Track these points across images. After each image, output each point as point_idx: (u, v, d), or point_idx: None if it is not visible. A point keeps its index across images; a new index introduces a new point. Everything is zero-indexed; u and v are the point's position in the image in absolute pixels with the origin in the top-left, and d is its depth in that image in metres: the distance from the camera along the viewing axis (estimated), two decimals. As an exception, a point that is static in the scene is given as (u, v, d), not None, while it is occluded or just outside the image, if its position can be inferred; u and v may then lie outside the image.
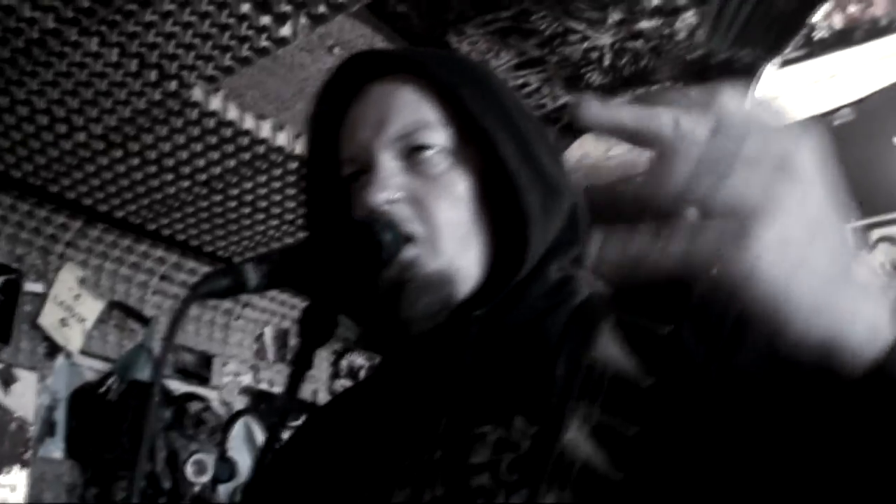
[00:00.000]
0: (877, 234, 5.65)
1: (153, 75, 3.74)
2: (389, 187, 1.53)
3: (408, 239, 1.51)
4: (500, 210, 1.55)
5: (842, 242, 0.91)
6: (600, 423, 1.03)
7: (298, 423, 1.91)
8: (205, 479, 5.13)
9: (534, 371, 1.40)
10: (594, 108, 0.91)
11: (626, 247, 0.88)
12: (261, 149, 4.29)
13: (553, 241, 1.58)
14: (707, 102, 0.88)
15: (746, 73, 0.82)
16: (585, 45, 3.79)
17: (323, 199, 1.75)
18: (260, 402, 5.92)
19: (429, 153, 1.56)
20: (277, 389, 6.06)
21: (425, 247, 1.52)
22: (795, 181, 0.86)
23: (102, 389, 4.94)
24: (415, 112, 1.59)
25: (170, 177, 4.50)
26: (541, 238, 1.53)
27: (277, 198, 4.75)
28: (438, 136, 1.57)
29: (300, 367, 1.32)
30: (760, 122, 0.88)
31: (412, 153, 1.57)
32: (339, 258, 1.38)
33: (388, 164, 1.56)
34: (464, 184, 1.56)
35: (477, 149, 1.56)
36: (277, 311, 6.00)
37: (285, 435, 1.80)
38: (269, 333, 6.12)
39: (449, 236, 1.53)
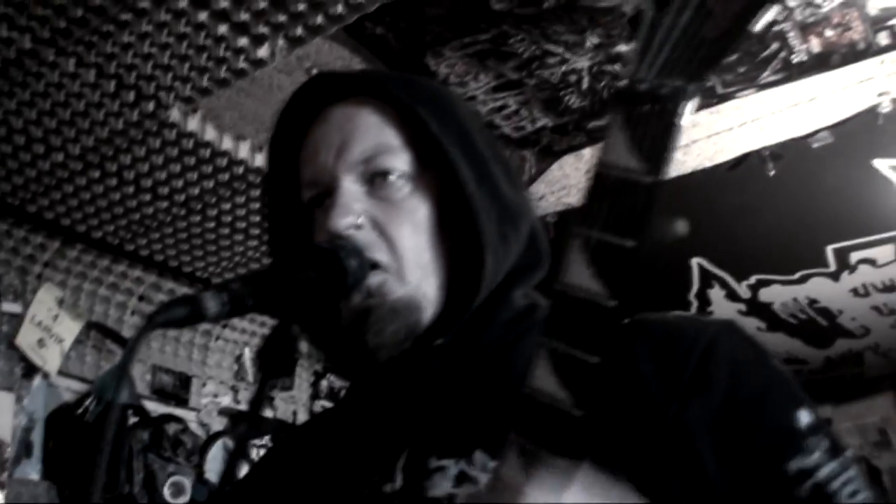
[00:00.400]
0: (856, 256, 5.67)
1: (130, 96, 3.73)
2: (352, 212, 1.52)
3: (374, 265, 1.51)
4: (458, 234, 1.54)
5: None
6: (532, 453, 1.03)
7: (264, 445, 1.91)
8: (182, 500, 5.10)
9: (496, 402, 1.39)
10: None
11: None
12: (239, 170, 4.28)
13: (514, 265, 1.58)
14: None
15: (670, 101, 0.83)
16: (564, 68, 3.80)
17: (285, 223, 1.74)
18: (239, 424, 5.89)
19: (391, 178, 1.56)
20: (257, 410, 6.03)
21: (391, 273, 1.52)
22: None
23: (80, 411, 4.90)
24: (376, 135, 1.58)
25: (147, 197, 4.48)
26: (498, 262, 1.52)
27: (256, 218, 4.73)
28: (400, 161, 1.57)
29: (259, 397, 1.31)
30: None
31: (374, 177, 1.56)
32: (304, 285, 1.37)
33: (351, 188, 1.56)
34: (425, 208, 1.56)
35: (436, 172, 1.56)
36: (257, 331, 5.97)
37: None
38: (248, 354, 6.09)
39: (413, 263, 1.53)
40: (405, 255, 1.53)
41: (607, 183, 1.02)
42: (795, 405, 1.33)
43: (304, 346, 1.67)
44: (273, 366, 1.31)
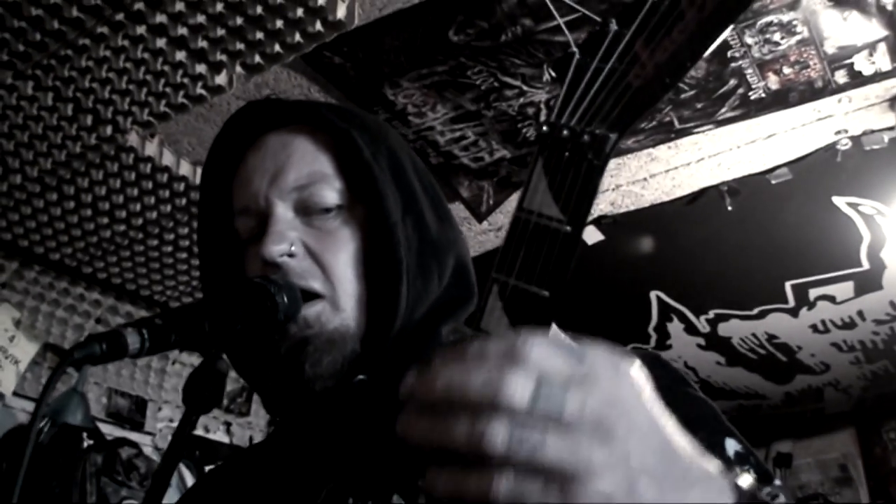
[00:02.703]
0: (815, 292, 5.69)
1: (88, 120, 3.73)
2: (286, 239, 1.51)
3: (310, 296, 1.50)
4: (382, 265, 1.53)
5: (673, 462, 0.96)
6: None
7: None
8: (136, 528, 5.06)
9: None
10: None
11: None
12: (196, 195, 4.26)
13: (439, 299, 1.57)
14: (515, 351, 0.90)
15: (591, 149, 0.82)
16: (522, 100, 3.80)
17: (217, 253, 1.73)
18: (194, 449, 5.85)
19: (324, 206, 1.54)
20: (212, 436, 6.00)
21: (327, 301, 1.51)
22: (612, 440, 0.90)
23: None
24: (311, 163, 1.58)
25: (105, 220, 4.47)
26: (416, 294, 1.51)
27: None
28: (333, 189, 1.56)
29: (181, 433, 1.30)
30: (577, 377, 0.90)
31: (308, 206, 1.55)
32: (230, 320, 1.36)
33: (285, 215, 1.55)
34: (356, 238, 1.55)
35: (366, 202, 1.55)
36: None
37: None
38: (205, 379, 6.06)
39: (347, 292, 1.52)
40: (340, 283, 1.52)
41: (526, 229, 1.01)
42: (722, 435, 1.32)
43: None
44: (197, 401, 1.30)
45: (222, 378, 1.35)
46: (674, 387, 1.40)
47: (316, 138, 1.61)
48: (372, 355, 1.52)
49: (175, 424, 5.68)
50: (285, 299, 1.44)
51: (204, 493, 1.81)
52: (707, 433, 1.33)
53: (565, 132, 1.01)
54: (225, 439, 6.08)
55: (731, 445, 1.31)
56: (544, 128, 1.02)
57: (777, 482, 1.30)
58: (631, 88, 0.99)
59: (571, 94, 1.03)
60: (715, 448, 1.30)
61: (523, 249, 1.01)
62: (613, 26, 1.02)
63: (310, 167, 1.57)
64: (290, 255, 1.51)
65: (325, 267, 1.52)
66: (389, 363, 1.52)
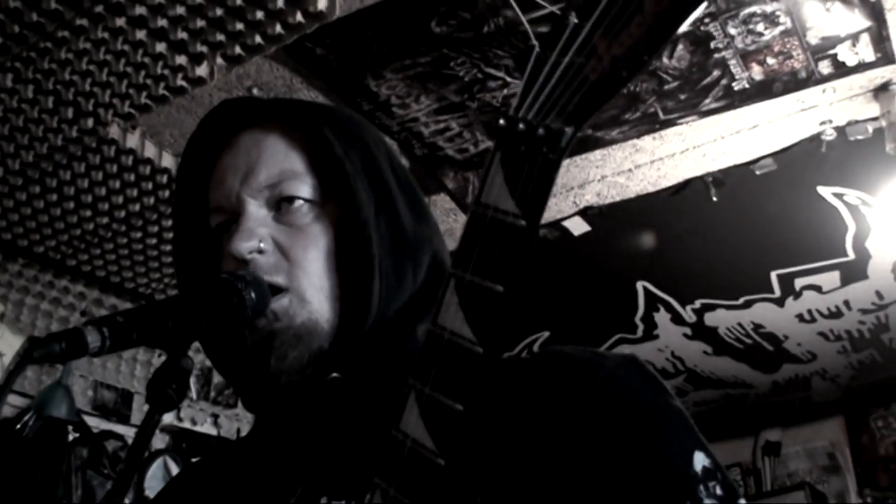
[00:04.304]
0: (801, 282, 5.70)
1: (69, 112, 3.72)
2: (255, 236, 1.50)
3: (277, 290, 1.49)
4: (355, 262, 1.52)
5: None
6: (394, 500, 1.02)
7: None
8: (121, 519, 5.05)
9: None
10: None
11: None
12: (180, 187, 4.26)
13: (415, 297, 1.56)
14: None
15: (546, 143, 0.81)
16: (505, 91, 3.80)
17: (193, 252, 1.72)
18: (181, 441, 5.85)
19: (295, 204, 1.54)
20: (200, 428, 5.99)
21: (293, 295, 1.50)
22: None
23: (19, 426, 4.86)
24: (283, 161, 1.57)
25: (88, 213, 4.46)
26: (389, 291, 1.50)
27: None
28: (305, 186, 1.55)
29: (145, 431, 1.29)
30: None
31: (280, 203, 1.55)
32: (195, 318, 1.35)
33: (256, 212, 1.54)
34: (327, 235, 1.54)
35: (339, 199, 1.54)
36: (201, 348, 5.93)
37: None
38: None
39: (315, 287, 1.51)
40: (307, 276, 1.51)
41: (482, 223, 1.00)
42: (691, 448, 1.31)
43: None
44: (161, 399, 1.29)
45: (186, 375, 1.33)
46: (648, 394, 1.39)
47: (288, 136, 1.60)
48: (344, 353, 1.52)
49: (161, 417, 5.72)
50: (253, 295, 1.42)
51: (184, 486, 1.80)
52: (676, 446, 1.32)
53: (521, 126, 1.00)
54: (213, 431, 6.07)
55: (700, 460, 1.29)
56: (501, 121, 1.01)
57: (741, 501, 1.29)
58: (588, 82, 0.98)
59: (530, 87, 1.02)
60: (683, 462, 1.30)
61: (479, 243, 1.00)
62: (573, 19, 1.01)
63: (281, 165, 1.56)
64: (260, 252, 1.51)
65: (293, 261, 1.51)
66: (363, 361, 1.51)
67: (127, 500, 5.03)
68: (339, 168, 1.53)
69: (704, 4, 3.03)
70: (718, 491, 1.27)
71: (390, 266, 1.51)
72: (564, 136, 0.97)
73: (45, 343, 1.18)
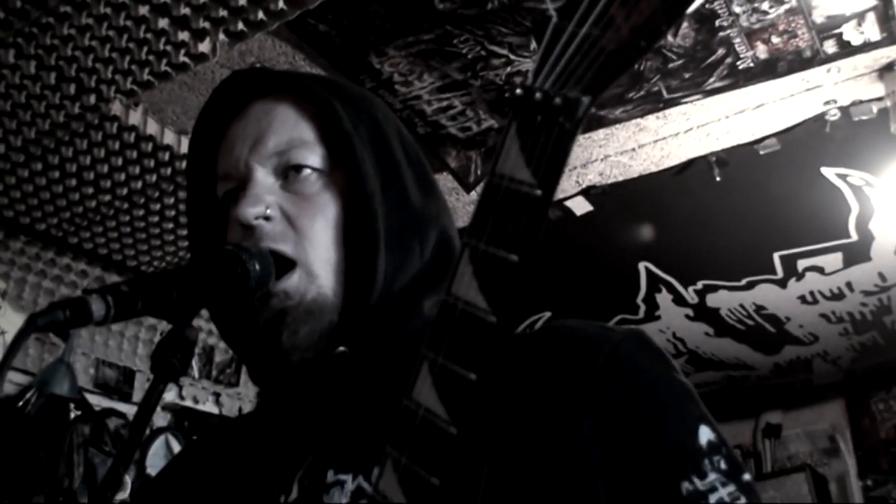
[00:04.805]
0: (804, 263, 5.69)
1: (71, 88, 3.70)
2: (262, 202, 1.50)
3: (283, 262, 1.48)
4: (361, 236, 1.51)
5: None
6: (406, 469, 1.01)
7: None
8: (123, 496, 5.06)
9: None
10: None
11: None
12: (181, 164, 4.25)
13: (422, 272, 1.56)
14: None
15: (563, 113, 0.80)
16: (509, 69, 3.78)
17: (203, 220, 1.72)
18: (183, 419, 5.85)
19: (304, 172, 1.53)
20: (202, 406, 6.00)
21: (301, 267, 1.49)
22: None
23: (21, 403, 4.86)
24: (292, 129, 1.57)
25: (90, 190, 4.45)
26: (395, 265, 1.50)
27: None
28: (313, 155, 1.55)
29: (148, 402, 1.28)
30: None
31: (287, 171, 1.54)
32: (198, 288, 1.34)
33: (264, 179, 1.54)
34: (335, 205, 1.53)
35: (347, 171, 1.54)
36: (203, 327, 5.93)
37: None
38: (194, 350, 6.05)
39: (322, 258, 1.51)
40: (313, 247, 1.50)
41: (497, 194, 0.99)
42: (696, 422, 1.30)
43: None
44: (166, 369, 1.28)
45: (191, 346, 1.32)
46: (654, 368, 1.38)
47: (299, 107, 1.60)
48: (351, 327, 1.51)
49: (164, 395, 5.72)
50: (257, 267, 1.42)
51: (187, 462, 1.80)
52: (681, 419, 1.31)
53: (538, 95, 0.99)
54: (214, 410, 6.08)
55: (705, 434, 1.28)
56: (518, 91, 1.00)
57: (746, 476, 1.29)
58: (605, 52, 0.96)
59: (547, 57, 1.01)
60: (688, 436, 1.29)
61: (494, 214, 0.99)
62: (591, -12, 0.99)
63: (290, 134, 1.56)
64: (267, 219, 1.50)
65: (300, 230, 1.51)
66: (369, 335, 1.51)
67: (129, 478, 5.04)
68: (347, 141, 1.53)
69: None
70: (723, 465, 1.26)
71: (396, 241, 1.51)
72: (581, 105, 0.96)
73: (49, 311, 1.16)
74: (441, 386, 1.00)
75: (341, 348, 1.49)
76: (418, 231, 1.57)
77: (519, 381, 1.36)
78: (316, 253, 1.51)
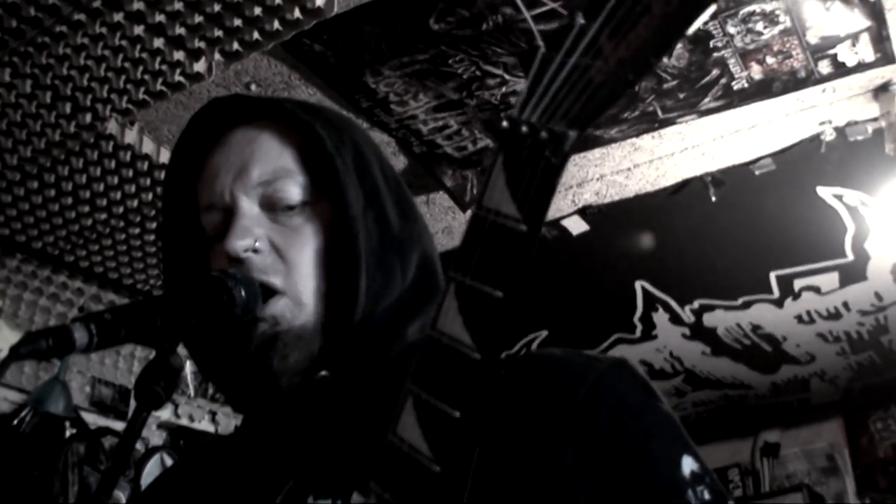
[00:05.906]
0: (800, 283, 5.68)
1: (67, 107, 3.71)
2: (251, 235, 1.50)
3: (273, 292, 1.48)
4: (344, 261, 1.51)
5: None
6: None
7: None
8: (115, 517, 5.05)
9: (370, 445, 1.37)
10: None
11: None
12: (178, 183, 4.25)
13: (404, 297, 1.55)
14: None
15: (549, 147, 0.80)
16: (504, 89, 3.78)
17: (182, 250, 1.71)
18: (179, 438, 5.84)
19: (289, 202, 1.53)
20: (197, 425, 5.98)
21: (289, 297, 1.49)
22: None
23: (16, 421, 4.85)
24: (276, 159, 1.56)
25: (86, 208, 4.46)
26: (375, 288, 1.50)
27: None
28: (297, 185, 1.55)
29: (132, 429, 1.28)
30: None
31: (273, 201, 1.54)
32: (183, 315, 1.34)
33: (249, 209, 1.53)
34: (320, 234, 1.54)
35: (330, 197, 1.54)
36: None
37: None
38: (189, 368, 6.03)
39: (309, 288, 1.51)
40: (302, 279, 1.50)
41: (483, 227, 0.99)
42: (680, 452, 1.30)
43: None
44: (149, 398, 1.27)
45: (175, 373, 1.31)
46: (632, 401, 1.38)
47: (281, 133, 1.60)
48: (335, 350, 1.51)
49: (159, 414, 5.71)
50: (243, 293, 1.41)
51: (174, 479, 1.80)
52: (665, 450, 1.31)
53: (524, 128, 0.98)
54: (210, 428, 6.06)
55: (688, 464, 1.28)
56: (504, 123, 1.00)
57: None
58: (593, 84, 0.96)
59: (534, 89, 1.00)
60: (672, 466, 1.29)
61: (479, 248, 0.99)
62: (580, 20, 0.99)
63: (274, 163, 1.56)
64: (255, 251, 1.50)
65: (289, 262, 1.51)
66: (353, 358, 1.51)
67: (124, 497, 5.03)
68: (330, 163, 1.53)
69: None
70: (707, 496, 1.26)
71: (377, 263, 1.51)
72: (568, 139, 0.96)
73: (31, 340, 1.16)
74: (425, 423, 0.99)
75: (323, 372, 1.48)
76: (399, 253, 1.57)
77: (503, 412, 1.36)
78: (304, 284, 1.51)
